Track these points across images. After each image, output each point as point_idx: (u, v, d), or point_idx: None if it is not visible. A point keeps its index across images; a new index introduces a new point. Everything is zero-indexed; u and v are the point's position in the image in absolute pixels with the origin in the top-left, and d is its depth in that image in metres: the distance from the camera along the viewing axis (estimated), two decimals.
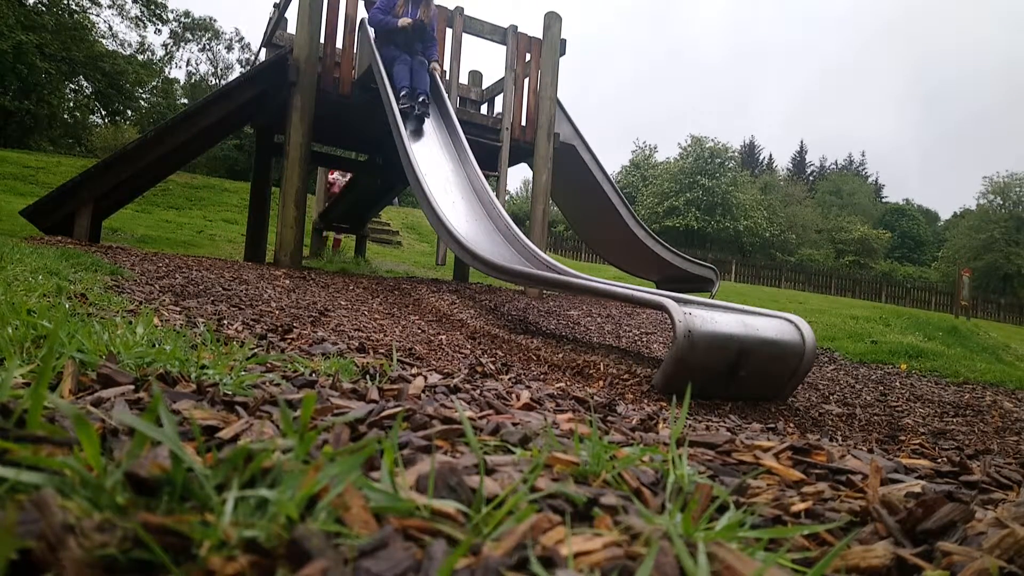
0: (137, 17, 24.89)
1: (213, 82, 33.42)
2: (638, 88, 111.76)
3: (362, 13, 5.75)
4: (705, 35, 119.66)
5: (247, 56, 33.60)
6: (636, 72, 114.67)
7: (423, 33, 5.55)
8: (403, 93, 5.09)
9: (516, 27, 6.25)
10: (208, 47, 35.23)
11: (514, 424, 0.84)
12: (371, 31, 5.48)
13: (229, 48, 35.57)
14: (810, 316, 6.85)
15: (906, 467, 0.93)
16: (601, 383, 2.59)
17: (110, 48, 24.58)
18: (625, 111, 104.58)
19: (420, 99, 5.19)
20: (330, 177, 9.57)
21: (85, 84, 24.41)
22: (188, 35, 34.61)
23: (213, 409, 0.75)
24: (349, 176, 8.68)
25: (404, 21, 5.37)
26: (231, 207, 13.61)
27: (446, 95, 5.53)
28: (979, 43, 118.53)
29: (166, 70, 32.37)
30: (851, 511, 0.64)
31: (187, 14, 34.41)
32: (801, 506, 0.64)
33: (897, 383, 3.94)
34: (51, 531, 0.36)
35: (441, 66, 5.79)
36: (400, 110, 4.94)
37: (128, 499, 0.41)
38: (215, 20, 35.10)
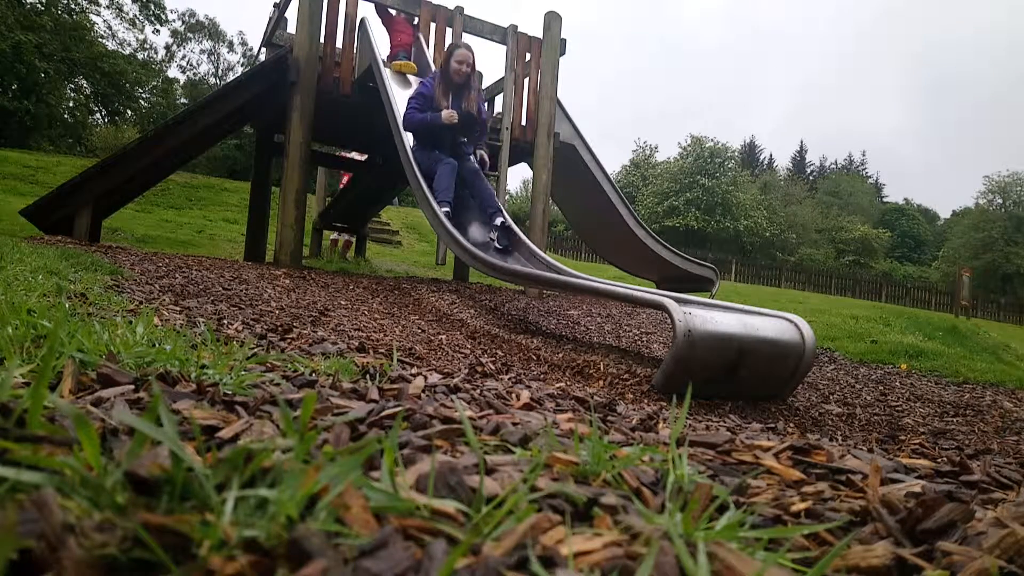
0: (135, 16, 24.91)
1: (213, 82, 33.45)
2: (636, 87, 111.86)
3: (362, 13, 5.75)
4: (703, 34, 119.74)
5: (247, 55, 33.64)
6: (635, 70, 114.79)
7: (471, 127, 4.57)
8: (445, 211, 4.17)
9: (516, 27, 6.25)
10: (210, 48, 35.29)
11: (514, 424, 0.84)
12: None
13: (231, 48, 35.63)
14: (810, 316, 6.85)
15: (906, 467, 0.93)
16: (601, 383, 2.59)
17: (110, 48, 24.58)
18: (624, 109, 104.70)
19: (498, 222, 4.23)
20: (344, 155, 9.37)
21: (85, 84, 24.41)
22: (189, 34, 34.66)
23: (213, 409, 0.75)
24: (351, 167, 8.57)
25: (448, 115, 4.41)
26: (231, 207, 13.62)
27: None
28: (979, 31, 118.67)
29: (166, 70, 32.42)
30: (851, 511, 0.64)
31: (192, 14, 34.49)
32: (801, 506, 0.64)
33: (897, 383, 3.94)
34: (51, 531, 0.36)
35: (487, 152, 4.86)
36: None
37: (128, 499, 0.41)
38: (217, 23, 35.21)
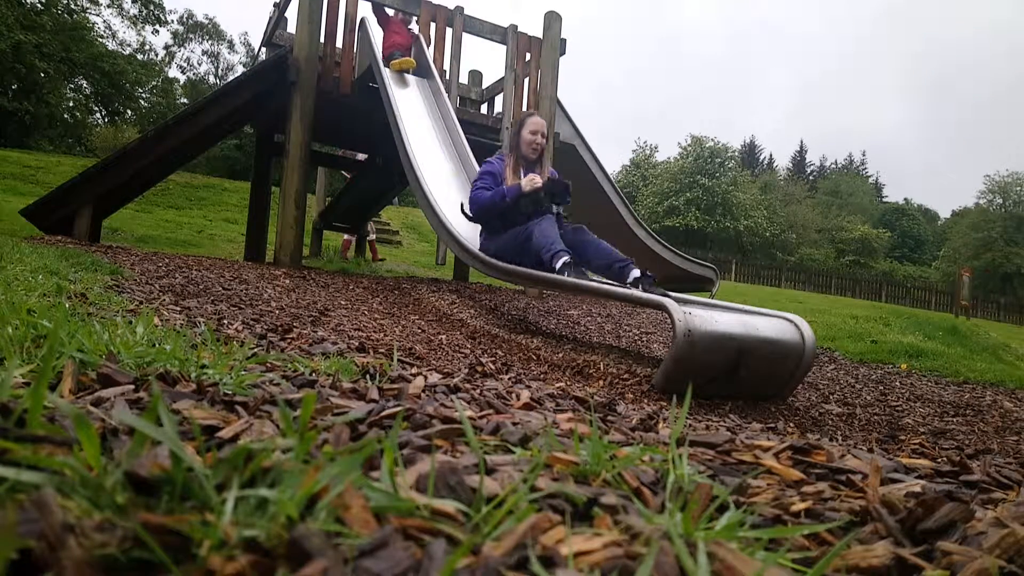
0: (135, 16, 24.92)
1: (213, 82, 33.49)
2: (636, 87, 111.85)
3: (362, 13, 5.75)
4: (703, 34, 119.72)
5: (249, 55, 33.68)
6: (635, 70, 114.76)
7: (561, 194, 3.69)
8: (565, 260, 3.32)
9: (516, 27, 6.25)
10: (210, 49, 35.35)
11: (514, 424, 0.84)
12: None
13: (231, 49, 35.67)
14: (810, 316, 6.85)
15: (906, 467, 0.93)
16: (601, 383, 2.59)
17: (110, 48, 24.60)
18: (624, 109, 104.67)
19: (637, 274, 3.29)
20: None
21: (85, 84, 24.42)
22: (190, 35, 34.72)
23: (213, 409, 0.75)
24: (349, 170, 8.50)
25: (530, 180, 3.63)
26: (231, 207, 13.62)
27: (446, 95, 5.53)
28: (979, 31, 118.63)
29: (166, 70, 32.45)
30: (851, 511, 0.64)
31: (190, 15, 34.59)
32: (801, 506, 0.64)
33: (897, 383, 3.94)
34: (51, 531, 0.36)
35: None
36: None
37: (128, 499, 0.41)
38: (217, 23, 35.28)
